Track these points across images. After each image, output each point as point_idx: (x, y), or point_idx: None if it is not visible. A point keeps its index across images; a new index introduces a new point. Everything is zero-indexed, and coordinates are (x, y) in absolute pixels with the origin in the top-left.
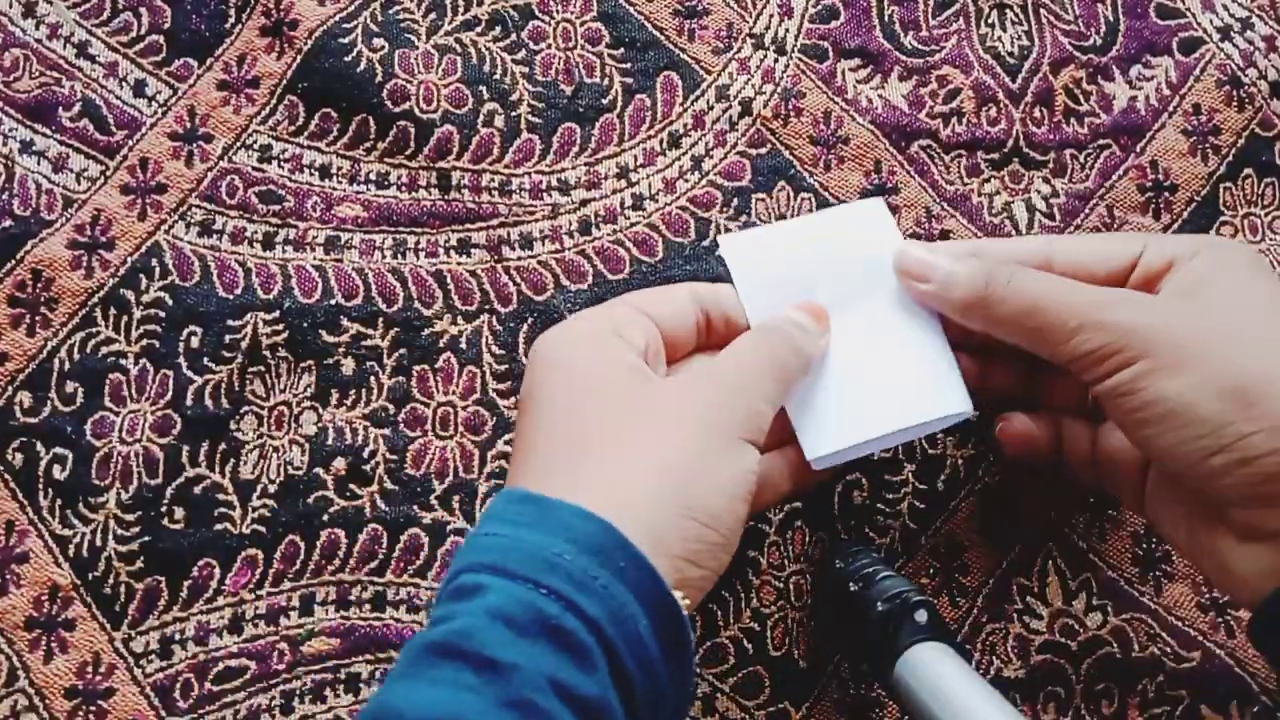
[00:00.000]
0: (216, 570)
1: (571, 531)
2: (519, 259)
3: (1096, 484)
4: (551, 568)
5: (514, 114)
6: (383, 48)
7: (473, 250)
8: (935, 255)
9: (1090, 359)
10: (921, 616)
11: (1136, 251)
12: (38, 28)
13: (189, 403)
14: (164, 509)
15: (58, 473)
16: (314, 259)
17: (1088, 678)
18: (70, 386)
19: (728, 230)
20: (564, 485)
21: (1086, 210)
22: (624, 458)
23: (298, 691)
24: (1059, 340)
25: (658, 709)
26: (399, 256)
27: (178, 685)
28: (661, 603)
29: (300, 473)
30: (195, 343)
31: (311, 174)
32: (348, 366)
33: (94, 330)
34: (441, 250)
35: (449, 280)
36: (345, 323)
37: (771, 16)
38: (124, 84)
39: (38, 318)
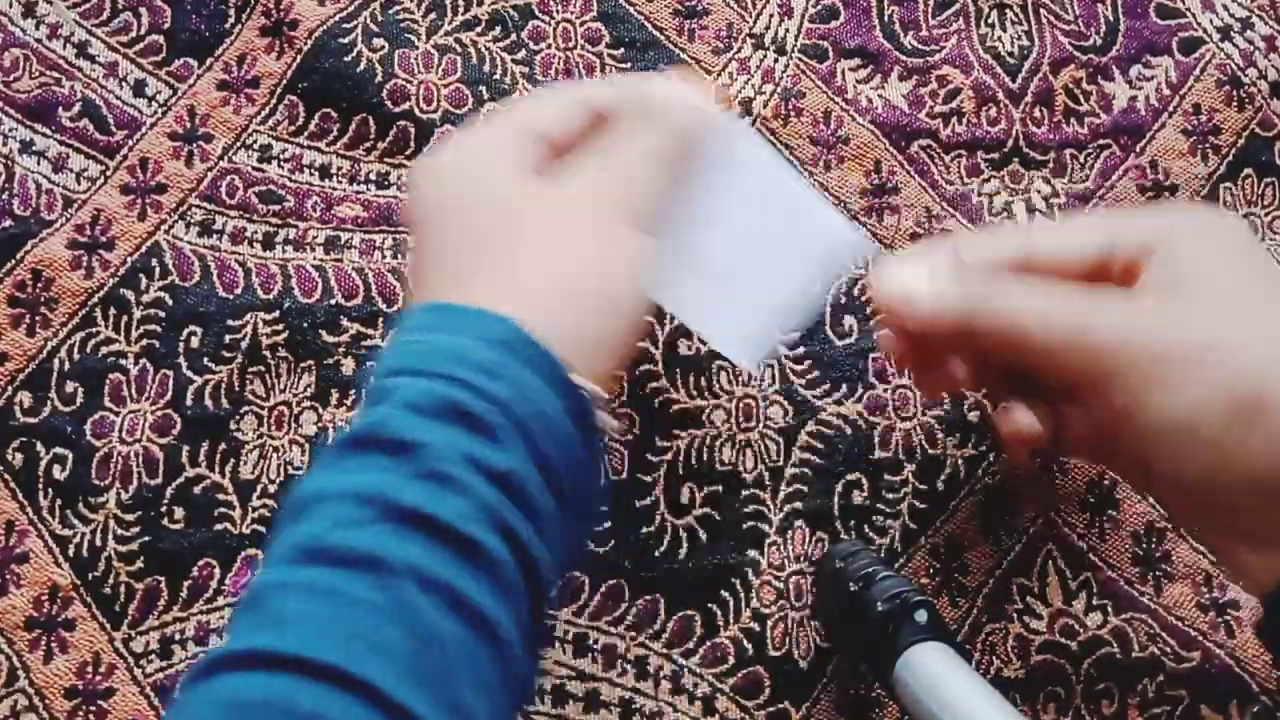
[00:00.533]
0: (216, 570)
1: (477, 329)
2: None
3: (1098, 463)
4: (460, 360)
5: None
6: (383, 48)
7: None
8: (915, 281)
9: (1081, 388)
10: (921, 616)
11: (1110, 242)
12: (38, 28)
13: (189, 403)
14: (164, 509)
15: (58, 473)
16: (314, 259)
17: (1088, 678)
18: (70, 386)
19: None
20: (463, 293)
21: (1086, 210)
22: (516, 259)
23: None
24: (1046, 369)
25: (580, 487)
26: (399, 256)
27: (178, 685)
28: (568, 387)
29: (301, 473)
30: (195, 343)
31: (311, 174)
32: (348, 366)
33: (94, 330)
34: None
35: None
36: (345, 323)
37: (771, 16)
38: (124, 84)
39: (38, 318)
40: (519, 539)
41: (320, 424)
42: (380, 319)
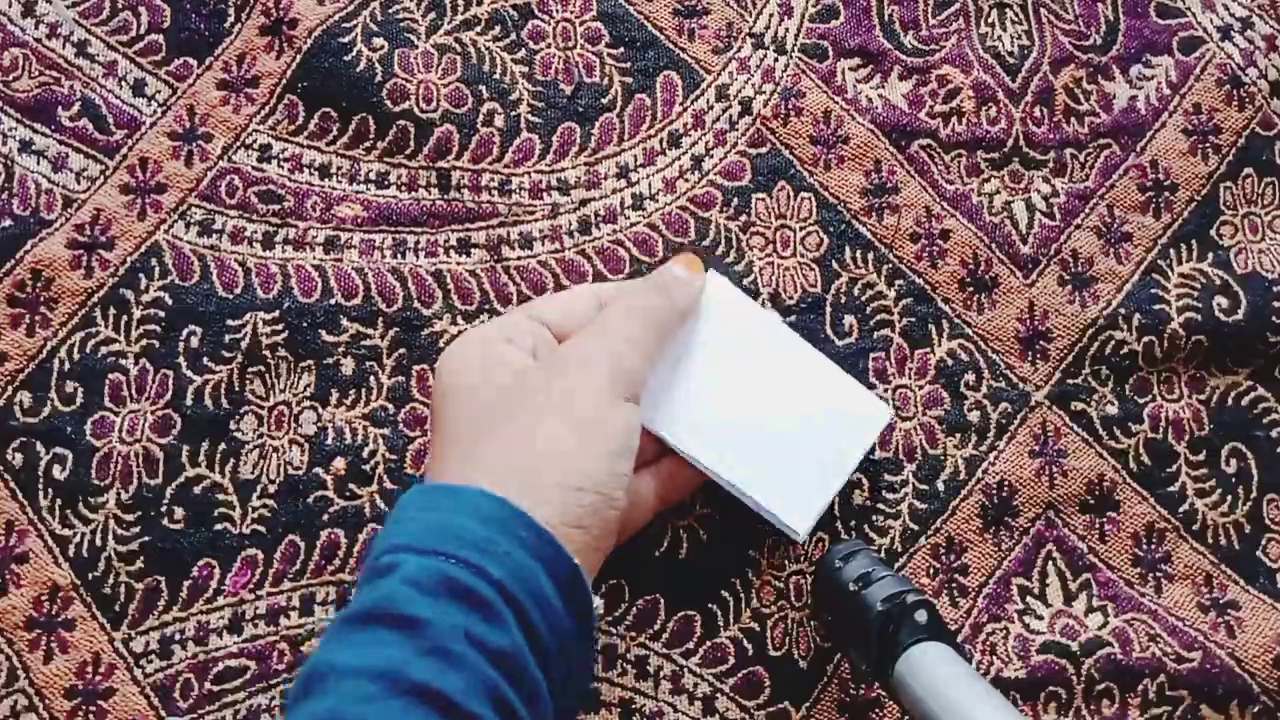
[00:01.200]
0: (216, 570)
1: (474, 509)
2: (519, 259)
3: None
4: (457, 539)
5: (514, 113)
6: (382, 47)
7: (472, 250)
8: None
9: None
10: (921, 616)
11: None
12: (37, 27)
13: (189, 402)
14: (164, 509)
15: (57, 473)
16: (314, 258)
17: (1088, 678)
18: (70, 386)
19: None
20: (459, 472)
21: (1086, 210)
22: (506, 442)
23: None
24: None
25: (567, 664)
26: (399, 256)
27: (178, 685)
28: (560, 564)
29: (300, 473)
30: (195, 342)
31: (311, 173)
32: (348, 366)
33: (94, 330)
34: (441, 250)
35: (449, 280)
36: (345, 322)
37: (771, 16)
38: (123, 83)
39: (37, 317)
40: (516, 715)
41: (320, 423)
42: (379, 319)
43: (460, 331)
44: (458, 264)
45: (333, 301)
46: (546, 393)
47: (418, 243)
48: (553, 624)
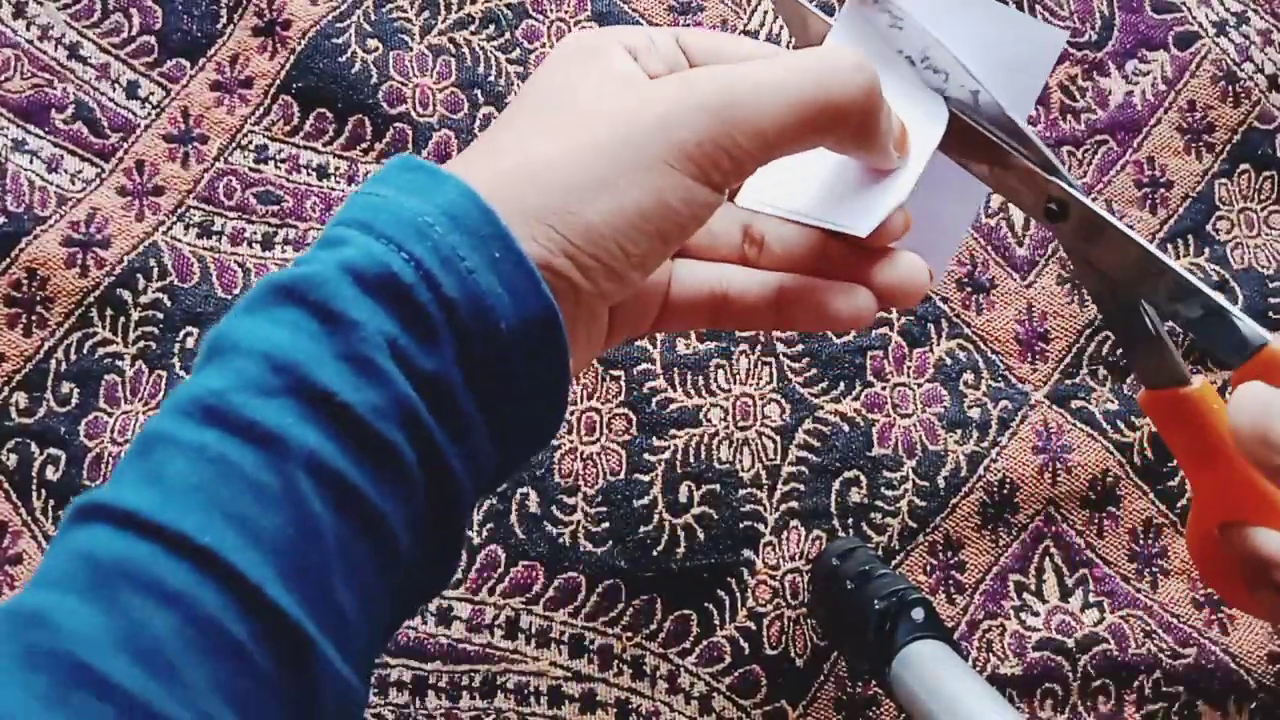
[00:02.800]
0: None
1: (450, 206)
2: None
3: None
4: (419, 235)
5: None
6: (376, 48)
7: None
8: None
9: None
10: (918, 614)
11: None
12: (28, 29)
13: None
14: None
15: (51, 474)
16: None
17: (1084, 674)
18: (66, 387)
19: None
20: (471, 159)
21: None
22: (533, 146)
23: None
24: None
25: (518, 412)
26: None
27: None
28: (534, 301)
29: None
30: (192, 344)
31: (309, 174)
32: None
33: (91, 331)
34: None
35: None
36: None
37: (766, 13)
38: (116, 85)
39: (34, 317)
40: (434, 445)
41: None
42: None
43: None
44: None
45: None
46: (615, 112)
47: None
48: (506, 368)
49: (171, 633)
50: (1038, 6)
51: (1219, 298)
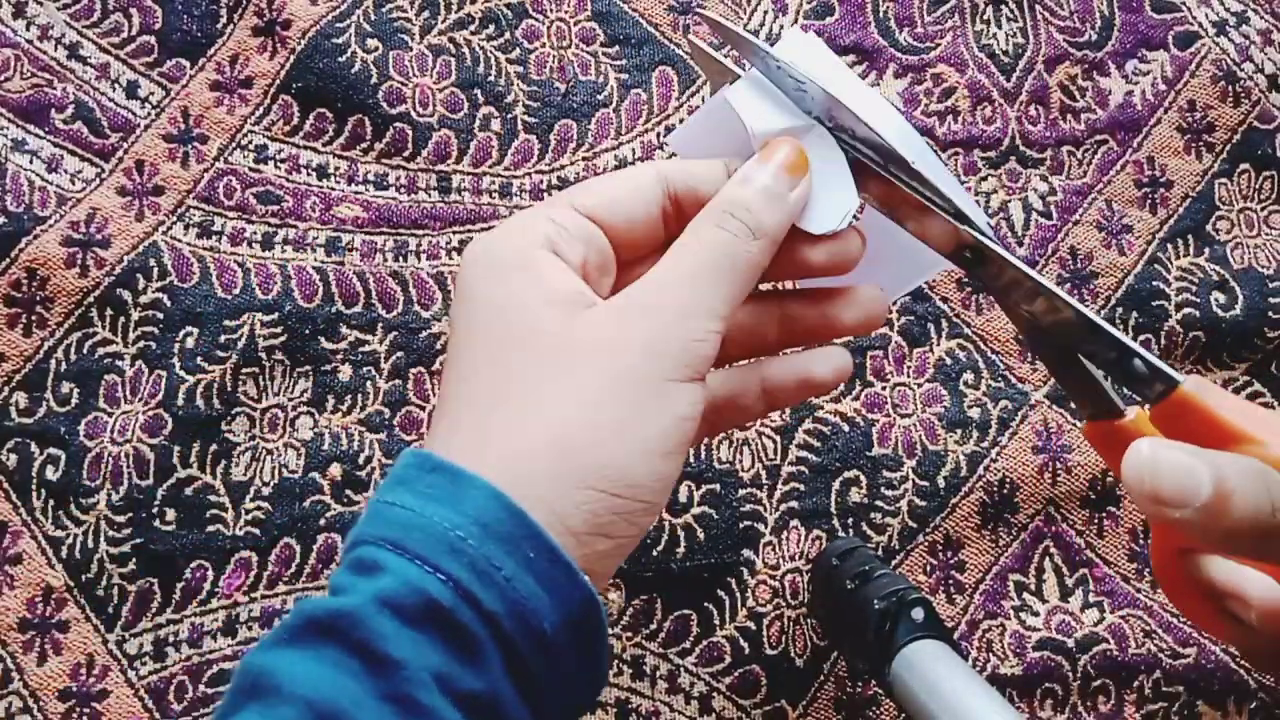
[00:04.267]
0: (210, 572)
1: (479, 513)
2: None
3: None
4: (453, 552)
5: (510, 115)
6: (376, 48)
7: None
8: (1194, 459)
9: None
10: (918, 614)
11: None
12: (28, 29)
13: (179, 402)
14: (155, 510)
15: (50, 473)
16: (315, 260)
17: (1084, 674)
18: (66, 387)
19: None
20: (471, 443)
21: (1085, 205)
22: (532, 416)
23: None
24: None
25: (564, 698)
26: (400, 259)
27: (172, 687)
28: (574, 597)
29: (296, 476)
30: (191, 344)
31: (309, 174)
32: (345, 372)
33: (91, 331)
34: (443, 252)
35: (449, 282)
36: (345, 330)
37: (766, 12)
38: (116, 85)
39: (34, 317)
40: None
41: (316, 429)
42: (379, 325)
43: None
44: (458, 266)
45: (334, 309)
46: (592, 356)
47: (419, 245)
48: (552, 663)
49: None
50: (1037, 6)
51: (1128, 340)
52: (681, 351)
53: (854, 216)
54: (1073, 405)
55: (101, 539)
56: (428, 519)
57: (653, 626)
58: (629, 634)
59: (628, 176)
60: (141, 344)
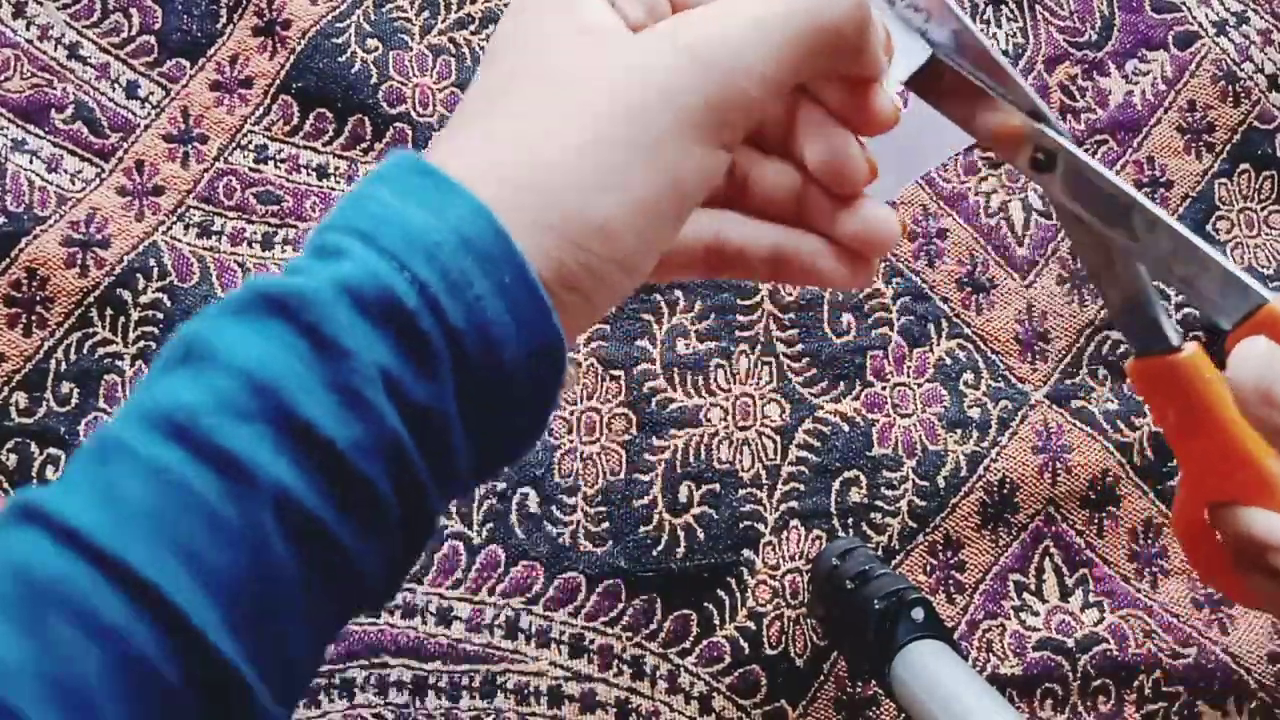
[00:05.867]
0: None
1: (461, 225)
2: None
3: None
4: (427, 256)
5: None
6: (376, 48)
7: None
8: None
9: None
10: (918, 614)
11: None
12: (28, 29)
13: None
14: None
15: (50, 474)
16: None
17: (1084, 675)
18: (66, 387)
19: None
20: (463, 148)
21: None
22: (530, 139)
23: None
24: None
25: (503, 441)
26: None
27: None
28: (543, 330)
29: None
30: None
31: (309, 174)
32: None
33: (91, 331)
34: None
35: None
36: None
37: None
38: (116, 85)
39: (34, 317)
40: (416, 482)
41: None
42: None
43: None
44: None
45: None
46: (607, 87)
47: None
48: (502, 398)
49: (98, 672)
50: (1037, 6)
51: (1216, 254)
52: (720, 104)
53: (901, 83)
54: (1073, 405)
55: None
56: (405, 218)
57: (653, 626)
58: (629, 634)
59: None
60: (141, 344)
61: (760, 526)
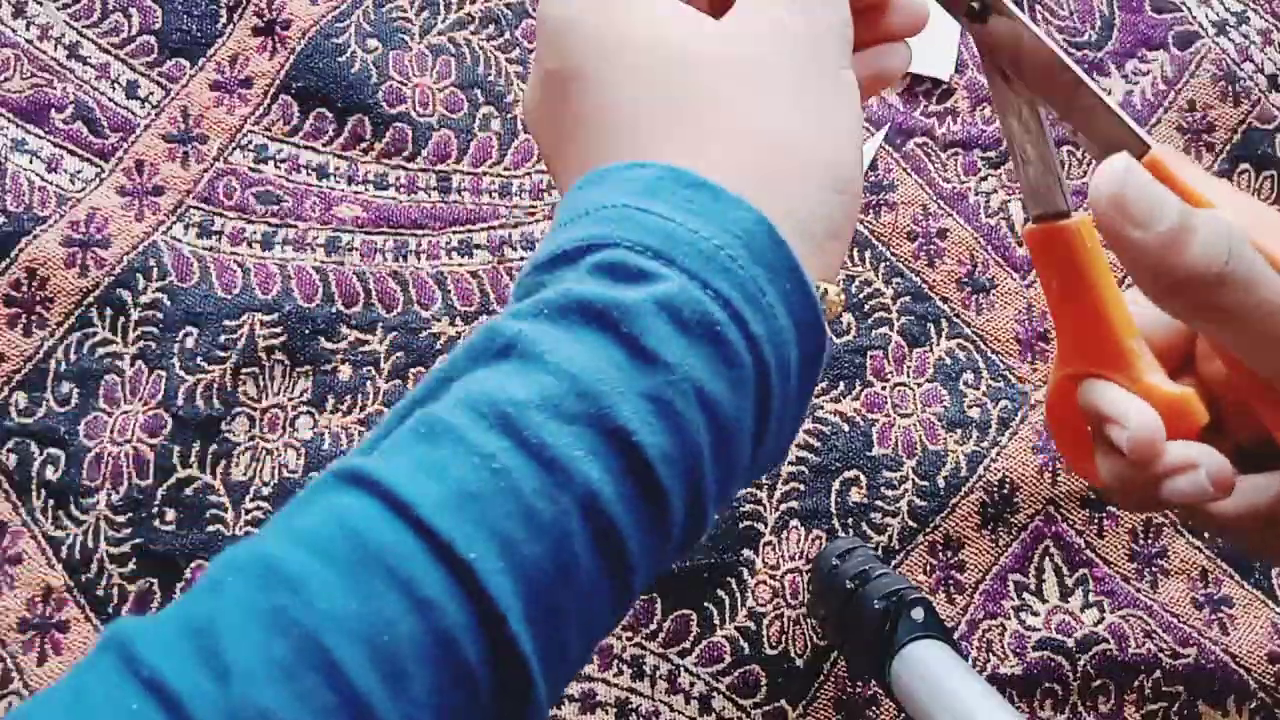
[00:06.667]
0: None
1: (745, 235)
2: (521, 259)
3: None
4: (724, 271)
5: (509, 115)
6: (376, 48)
7: (475, 251)
8: (1166, 190)
9: None
10: (918, 614)
11: None
12: (28, 29)
13: (179, 402)
14: (155, 510)
15: (50, 473)
16: (315, 260)
17: (1084, 675)
18: (66, 387)
19: None
20: (689, 145)
21: (1085, 205)
22: (741, 126)
23: None
24: None
25: (780, 436)
26: (400, 259)
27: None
28: (815, 332)
29: (296, 476)
30: (191, 344)
31: (309, 174)
32: (345, 373)
33: (91, 331)
34: (442, 252)
35: (449, 282)
36: (345, 330)
37: None
38: (116, 85)
39: (34, 317)
40: (700, 496)
41: (316, 429)
42: (379, 325)
43: (459, 334)
44: (459, 265)
45: (334, 309)
46: (765, 56)
47: (419, 245)
48: (786, 399)
49: (413, 638)
50: (1037, 7)
51: (1114, 104)
52: (841, 34)
53: None
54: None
55: (101, 539)
56: (694, 233)
57: (653, 626)
58: (629, 634)
59: None
60: (141, 344)
61: (760, 526)
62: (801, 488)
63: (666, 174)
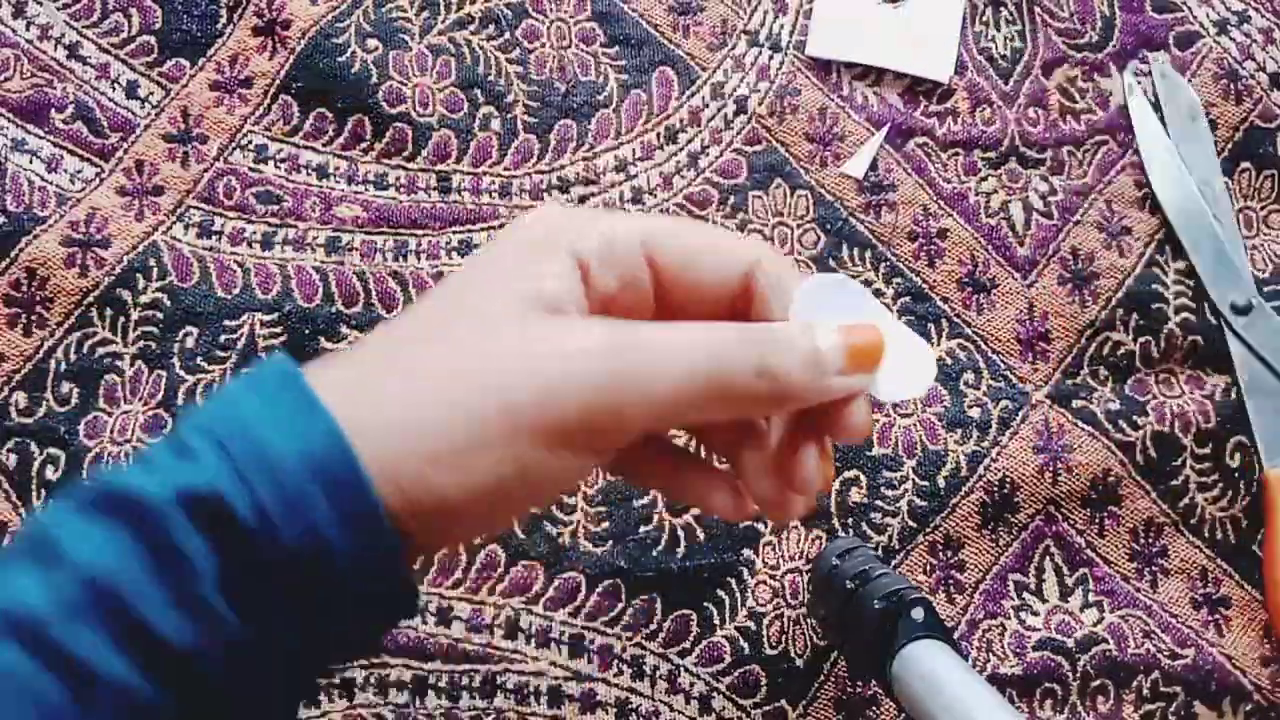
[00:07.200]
0: None
1: (323, 458)
2: None
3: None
4: (271, 476)
5: (509, 115)
6: (376, 48)
7: (474, 251)
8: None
9: None
10: (918, 614)
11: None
12: (28, 28)
13: (179, 402)
14: None
15: (50, 473)
16: (315, 260)
17: (1083, 675)
18: (66, 387)
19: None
20: (355, 376)
21: (1085, 205)
22: (410, 380)
23: None
24: None
25: (339, 652)
26: (400, 259)
27: None
28: (383, 562)
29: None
30: (191, 344)
31: (309, 174)
32: None
33: (91, 330)
34: (443, 252)
35: None
36: (345, 330)
37: (766, 13)
38: (116, 85)
39: (33, 317)
40: (255, 686)
41: None
42: (379, 325)
43: None
44: (459, 265)
45: (334, 309)
46: (498, 376)
47: (419, 245)
48: (339, 617)
49: None
50: (1037, 7)
51: None
52: (592, 421)
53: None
54: (1074, 404)
55: None
56: (261, 433)
57: (652, 626)
58: (629, 634)
59: (725, 237)
60: (141, 344)
61: (760, 526)
62: None
63: (280, 372)
